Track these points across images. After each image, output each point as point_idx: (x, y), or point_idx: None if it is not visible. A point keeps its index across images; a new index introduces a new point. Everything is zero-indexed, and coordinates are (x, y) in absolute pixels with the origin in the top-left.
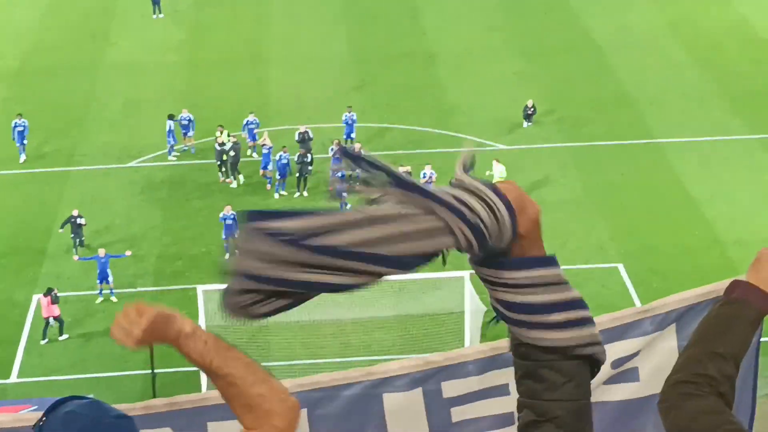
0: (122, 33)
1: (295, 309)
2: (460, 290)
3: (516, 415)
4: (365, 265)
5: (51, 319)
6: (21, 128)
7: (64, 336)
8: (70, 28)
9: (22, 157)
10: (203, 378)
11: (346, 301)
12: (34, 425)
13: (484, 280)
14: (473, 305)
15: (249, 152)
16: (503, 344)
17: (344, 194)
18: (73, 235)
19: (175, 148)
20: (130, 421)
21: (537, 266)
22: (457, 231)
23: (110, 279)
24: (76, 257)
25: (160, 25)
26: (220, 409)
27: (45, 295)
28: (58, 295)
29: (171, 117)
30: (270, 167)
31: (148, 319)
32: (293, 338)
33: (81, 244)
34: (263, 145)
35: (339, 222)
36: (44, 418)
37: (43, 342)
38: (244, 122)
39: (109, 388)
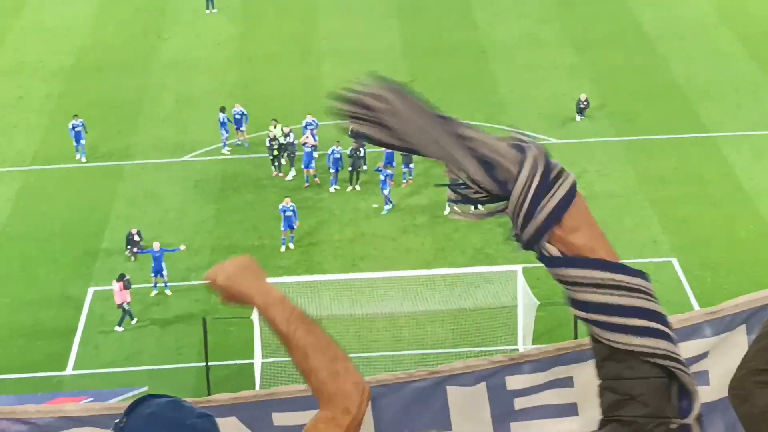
0: (174, 29)
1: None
2: (512, 284)
3: (578, 406)
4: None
5: (126, 305)
6: (78, 128)
7: (134, 321)
8: (123, 24)
9: (78, 156)
10: (257, 372)
11: (398, 295)
12: (114, 426)
13: (559, 279)
14: (526, 299)
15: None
16: (568, 345)
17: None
18: (129, 246)
19: (227, 141)
20: (212, 420)
21: (610, 269)
22: (530, 157)
23: (164, 272)
24: (133, 259)
25: (213, 20)
26: (285, 401)
27: (117, 280)
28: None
29: (223, 110)
30: (313, 165)
31: (238, 265)
32: (346, 331)
33: (135, 256)
34: (305, 143)
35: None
36: (125, 419)
37: (119, 329)
38: (304, 123)
39: (164, 381)
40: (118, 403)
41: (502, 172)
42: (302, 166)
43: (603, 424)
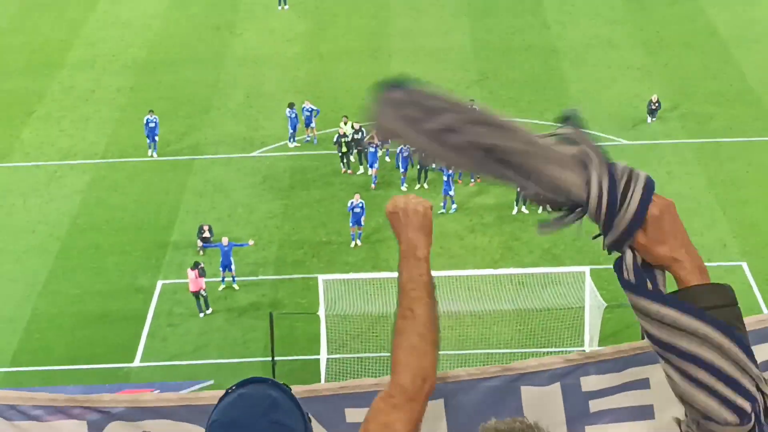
0: (246, 24)
1: None
2: (580, 286)
3: (654, 408)
4: (501, 168)
5: (203, 291)
6: (152, 124)
7: (209, 310)
8: (195, 19)
9: (151, 153)
10: (323, 368)
11: (465, 293)
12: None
13: (637, 311)
14: (593, 301)
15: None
16: (644, 344)
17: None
18: (199, 241)
19: (296, 137)
20: (291, 395)
21: (691, 314)
22: (594, 176)
23: (233, 267)
24: (201, 253)
25: (284, 16)
26: (357, 396)
27: (192, 269)
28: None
29: (291, 105)
30: (377, 165)
31: (416, 205)
32: None
33: (204, 250)
34: (369, 143)
35: (494, 122)
36: (233, 388)
37: (201, 315)
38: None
39: (230, 375)
40: (191, 393)
41: (570, 195)
42: (368, 165)
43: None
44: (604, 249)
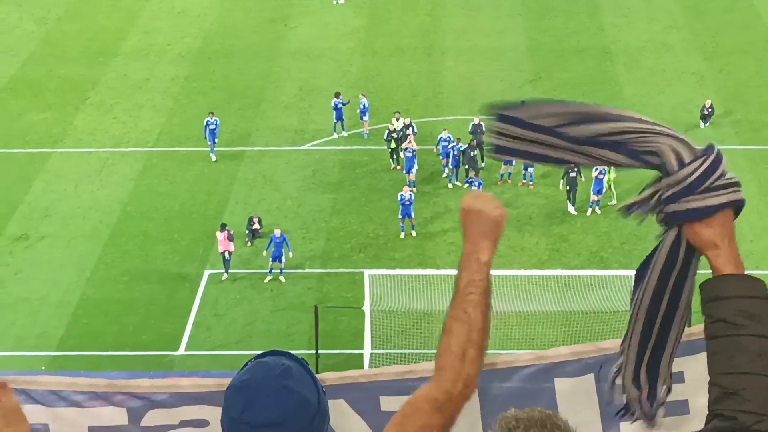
0: (301, 18)
1: None
2: (627, 289)
3: (689, 403)
4: (602, 151)
5: (227, 254)
6: (213, 126)
7: (225, 276)
8: (250, 11)
9: (213, 157)
10: (366, 363)
11: (510, 293)
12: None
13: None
14: None
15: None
16: None
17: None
18: (248, 232)
19: (345, 129)
20: (306, 367)
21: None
22: (700, 152)
23: (283, 259)
24: (249, 244)
25: (339, 11)
26: (392, 384)
27: (221, 231)
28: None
29: (337, 95)
30: (414, 170)
31: (490, 208)
32: None
33: (252, 241)
34: (406, 148)
35: (587, 113)
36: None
37: (224, 278)
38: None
39: None
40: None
41: (665, 157)
42: (404, 172)
43: (708, 420)
44: (658, 219)
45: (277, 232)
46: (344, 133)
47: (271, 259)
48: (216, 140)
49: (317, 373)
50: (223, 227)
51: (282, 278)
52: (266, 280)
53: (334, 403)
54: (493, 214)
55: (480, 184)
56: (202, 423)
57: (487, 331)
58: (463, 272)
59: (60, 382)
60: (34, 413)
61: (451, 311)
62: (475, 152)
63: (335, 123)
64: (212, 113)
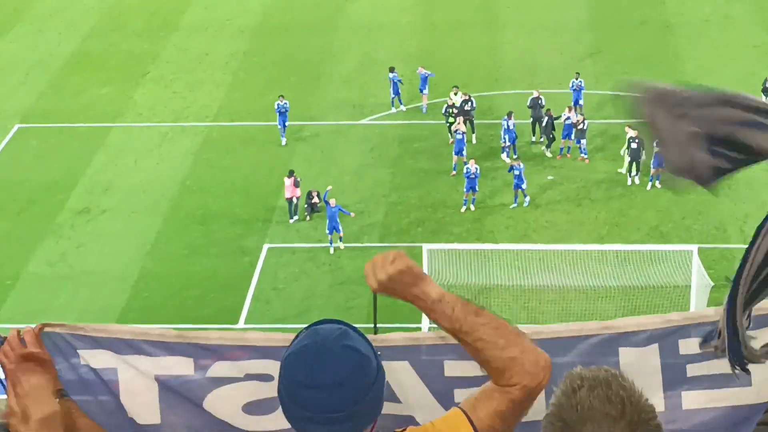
0: None
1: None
2: (687, 264)
3: (753, 375)
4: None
5: (294, 199)
6: (283, 110)
7: (293, 218)
8: None
9: (283, 140)
10: None
11: (569, 268)
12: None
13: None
14: (700, 280)
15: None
16: None
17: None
18: (307, 206)
19: (402, 103)
20: (362, 355)
21: None
22: None
23: (340, 228)
24: (308, 218)
25: None
26: (459, 349)
27: (288, 177)
28: (299, 179)
29: (392, 70)
30: (465, 152)
31: (396, 268)
32: (514, 302)
33: (311, 215)
34: (456, 130)
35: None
36: (304, 332)
37: (291, 221)
38: (504, 126)
39: None
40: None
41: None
42: (453, 153)
43: None
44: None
45: (332, 202)
46: (402, 107)
47: (328, 231)
48: (286, 124)
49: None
50: (290, 173)
51: (341, 245)
52: (331, 252)
53: (398, 364)
54: (400, 266)
55: (520, 170)
56: (267, 378)
57: (505, 328)
58: (441, 321)
59: (131, 331)
60: (102, 358)
61: (467, 348)
62: (548, 121)
63: (392, 97)
64: (282, 96)
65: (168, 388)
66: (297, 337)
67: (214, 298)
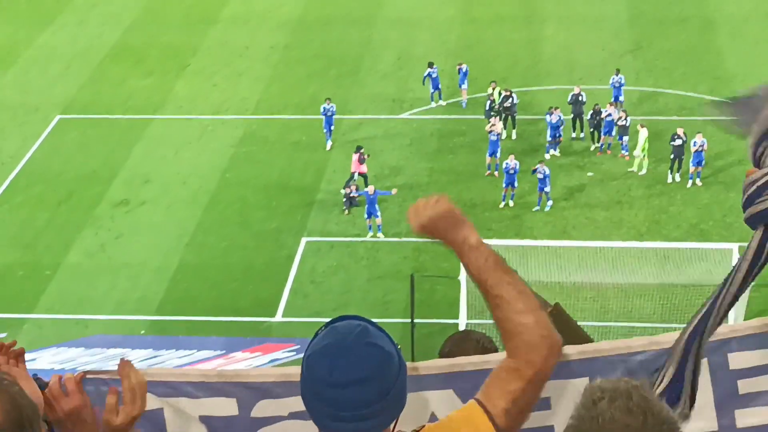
0: None
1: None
2: (727, 262)
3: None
4: None
5: (356, 174)
6: (330, 113)
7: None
8: None
9: (329, 144)
10: None
11: (608, 265)
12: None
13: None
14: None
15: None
16: None
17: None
18: (345, 200)
19: (442, 98)
20: (384, 351)
21: None
22: None
23: (378, 214)
24: (347, 212)
25: None
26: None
27: (355, 152)
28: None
29: (431, 65)
30: (498, 154)
31: (438, 210)
32: (552, 299)
33: (349, 210)
34: (490, 131)
35: None
36: (324, 328)
37: (342, 190)
38: (548, 121)
39: None
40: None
41: None
42: (487, 154)
43: None
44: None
45: (371, 189)
46: (441, 102)
47: (366, 216)
48: (332, 127)
49: (412, 342)
50: (358, 149)
51: (380, 235)
52: (368, 236)
53: (444, 393)
54: (442, 208)
55: (544, 172)
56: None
57: (528, 291)
58: (469, 266)
59: (171, 373)
60: (147, 400)
61: (488, 305)
62: (600, 117)
63: (432, 92)
64: (329, 99)
65: (215, 429)
66: (316, 335)
67: (252, 290)
